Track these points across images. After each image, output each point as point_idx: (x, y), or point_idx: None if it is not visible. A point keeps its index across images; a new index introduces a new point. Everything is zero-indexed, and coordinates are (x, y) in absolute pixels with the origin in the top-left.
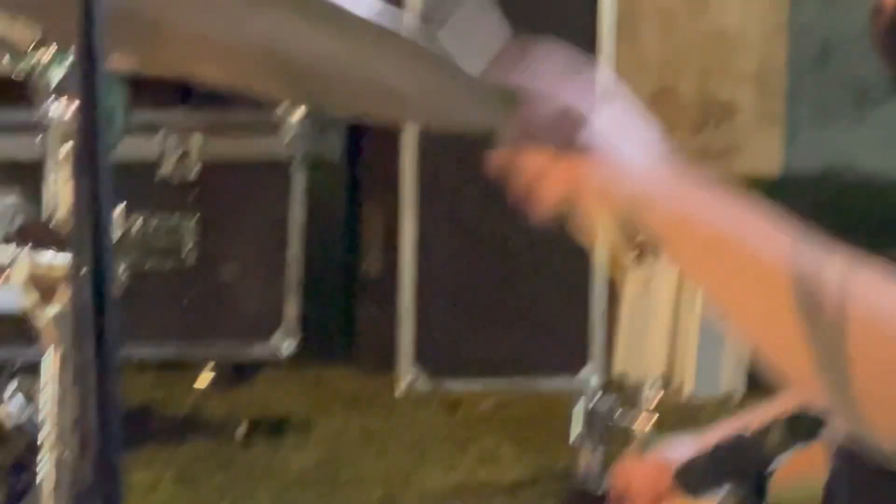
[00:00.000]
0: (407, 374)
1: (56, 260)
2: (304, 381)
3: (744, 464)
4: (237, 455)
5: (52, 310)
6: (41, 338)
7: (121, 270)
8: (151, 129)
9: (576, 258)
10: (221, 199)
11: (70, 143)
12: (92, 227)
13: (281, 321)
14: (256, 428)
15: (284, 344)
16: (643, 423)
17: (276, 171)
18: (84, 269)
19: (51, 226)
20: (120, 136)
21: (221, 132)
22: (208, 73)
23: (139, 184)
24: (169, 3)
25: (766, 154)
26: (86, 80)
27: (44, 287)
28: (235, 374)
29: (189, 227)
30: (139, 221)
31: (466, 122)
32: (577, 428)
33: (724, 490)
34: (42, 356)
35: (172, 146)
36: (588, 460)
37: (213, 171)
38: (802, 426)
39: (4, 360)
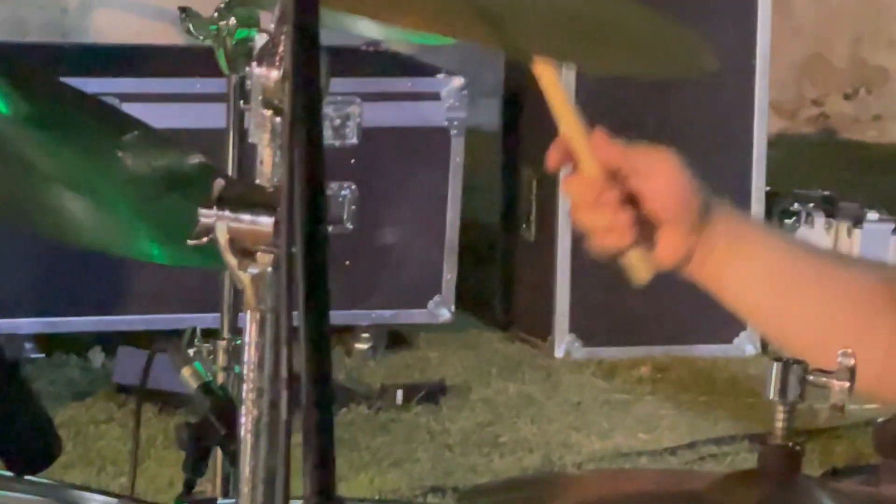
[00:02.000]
0: (563, 340)
1: (257, 221)
2: (462, 345)
3: None
4: (397, 418)
5: (253, 271)
6: (241, 300)
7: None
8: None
9: None
10: (381, 166)
11: (272, 109)
12: (306, 193)
13: (439, 287)
14: (415, 392)
15: (442, 309)
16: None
17: (435, 137)
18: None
19: (252, 186)
20: (327, 88)
21: (381, 99)
22: (406, 20)
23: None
24: None
25: None
26: (303, 49)
27: (244, 249)
28: (393, 338)
29: (349, 192)
30: None
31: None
32: (773, 383)
33: None
34: (221, 321)
35: (332, 113)
36: (783, 417)
37: (373, 137)
38: None
39: (176, 327)
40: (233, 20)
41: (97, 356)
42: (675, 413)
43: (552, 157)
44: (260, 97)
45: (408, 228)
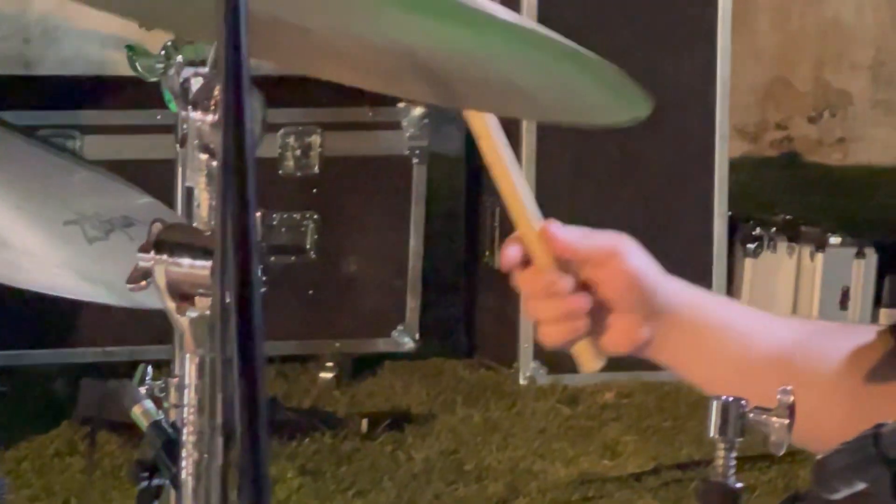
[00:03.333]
0: (527, 367)
1: (195, 266)
2: (426, 373)
3: (881, 460)
4: (361, 448)
5: (192, 314)
6: (180, 342)
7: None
8: (273, 126)
9: (693, 250)
10: (343, 195)
11: (208, 153)
12: (237, 233)
13: (403, 315)
14: (379, 421)
15: (406, 338)
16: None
17: (397, 165)
18: (228, 276)
19: (189, 230)
20: (260, 137)
21: (342, 128)
22: (344, 74)
23: (261, 181)
24: (311, 9)
25: (883, 143)
26: (231, 89)
27: (183, 292)
28: (357, 367)
29: (311, 222)
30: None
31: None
32: (714, 421)
33: (859, 488)
34: (174, 356)
35: (293, 143)
36: (723, 454)
37: (335, 166)
38: None
39: (138, 358)
40: (179, 58)
41: (61, 389)
42: (639, 439)
43: (506, 257)
44: (196, 141)
45: (371, 257)
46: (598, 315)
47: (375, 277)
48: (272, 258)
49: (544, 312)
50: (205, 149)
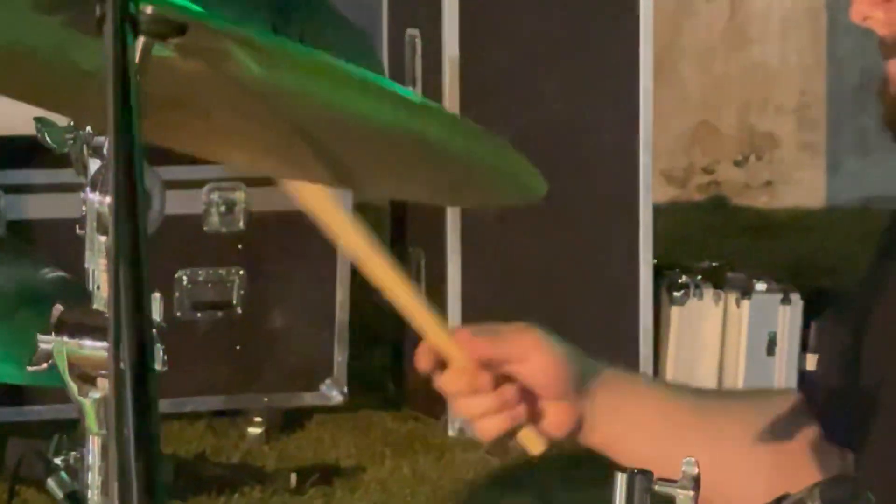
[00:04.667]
0: (456, 418)
1: (96, 347)
2: (355, 426)
3: None
4: (290, 502)
5: (94, 395)
6: (83, 423)
7: (160, 357)
8: (197, 183)
9: (619, 299)
10: (269, 250)
11: (107, 234)
12: (131, 317)
13: (331, 368)
14: (308, 475)
15: (334, 391)
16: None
17: None
18: (123, 362)
19: (91, 311)
20: (158, 218)
21: (266, 184)
22: (244, 158)
23: (187, 237)
24: (210, 94)
25: (810, 186)
26: (123, 171)
27: (84, 374)
28: (286, 421)
29: (237, 278)
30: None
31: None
32: (618, 496)
33: None
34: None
35: (218, 200)
36: None
37: (260, 221)
38: (840, 493)
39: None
40: (88, 129)
41: None
42: (570, 490)
43: (421, 363)
44: (94, 223)
45: (298, 311)
46: (530, 402)
47: (303, 331)
48: (199, 314)
49: (475, 408)
50: (104, 230)
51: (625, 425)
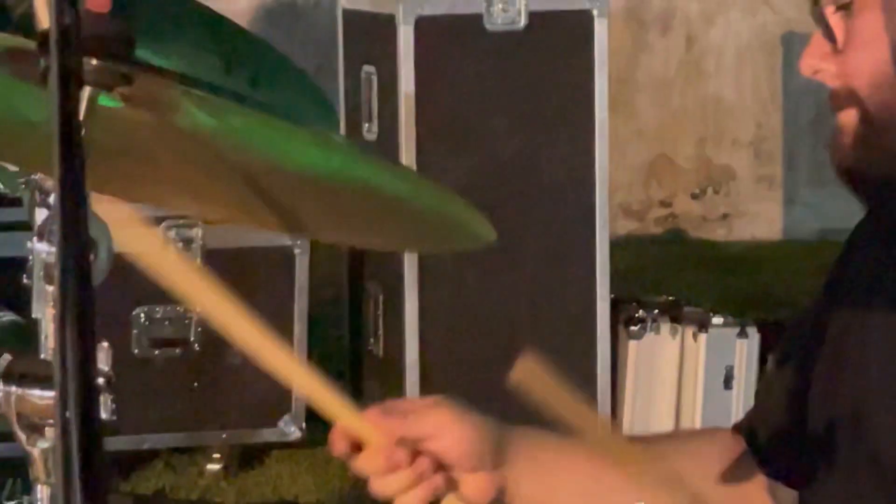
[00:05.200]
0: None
1: (44, 397)
2: (314, 462)
3: None
4: None
5: (42, 444)
6: (32, 472)
7: (109, 407)
8: (154, 220)
9: (577, 333)
10: (225, 286)
11: (53, 285)
12: (78, 368)
13: (289, 404)
14: None
15: (293, 427)
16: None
17: (280, 257)
18: (68, 412)
19: (39, 361)
20: (106, 268)
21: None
22: (192, 206)
23: (145, 274)
24: (157, 142)
25: (766, 218)
26: (69, 221)
27: (33, 423)
28: (245, 457)
29: (195, 314)
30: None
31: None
32: None
33: None
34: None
35: (175, 236)
36: None
37: (217, 258)
38: None
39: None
40: (40, 174)
41: None
42: None
43: (336, 447)
44: (41, 272)
45: None
46: (449, 471)
47: (260, 368)
48: (156, 351)
49: (394, 485)
50: (51, 280)
51: (550, 488)
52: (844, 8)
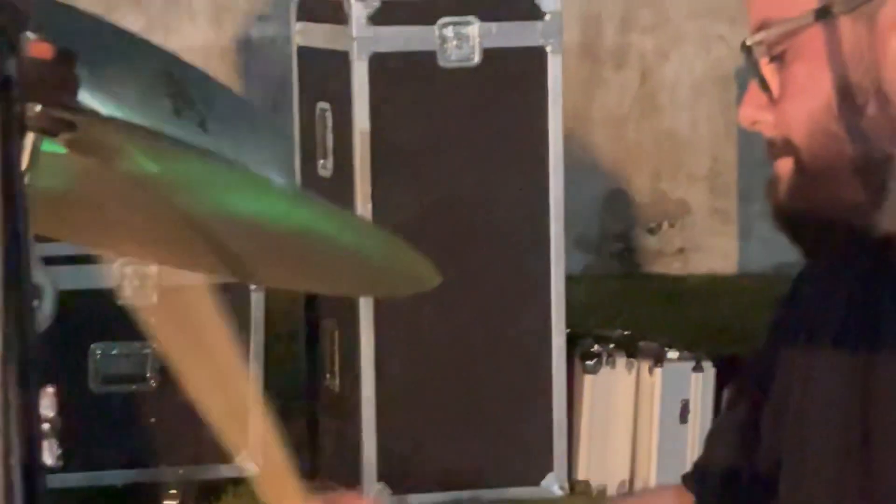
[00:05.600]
0: (371, 489)
1: None
2: None
3: None
4: None
5: None
6: None
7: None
8: (110, 258)
9: (533, 368)
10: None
11: None
12: (22, 416)
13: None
14: None
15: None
16: None
17: (235, 293)
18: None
19: None
20: (51, 313)
21: None
22: (137, 250)
23: (101, 311)
24: (103, 188)
25: (722, 252)
26: (11, 269)
27: None
28: (202, 493)
29: (151, 351)
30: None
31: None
32: None
33: None
34: None
35: (131, 274)
36: None
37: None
38: None
39: None
40: None
41: None
42: None
43: None
44: None
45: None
46: None
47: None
48: (113, 388)
49: None
50: None
51: None
52: (778, 59)
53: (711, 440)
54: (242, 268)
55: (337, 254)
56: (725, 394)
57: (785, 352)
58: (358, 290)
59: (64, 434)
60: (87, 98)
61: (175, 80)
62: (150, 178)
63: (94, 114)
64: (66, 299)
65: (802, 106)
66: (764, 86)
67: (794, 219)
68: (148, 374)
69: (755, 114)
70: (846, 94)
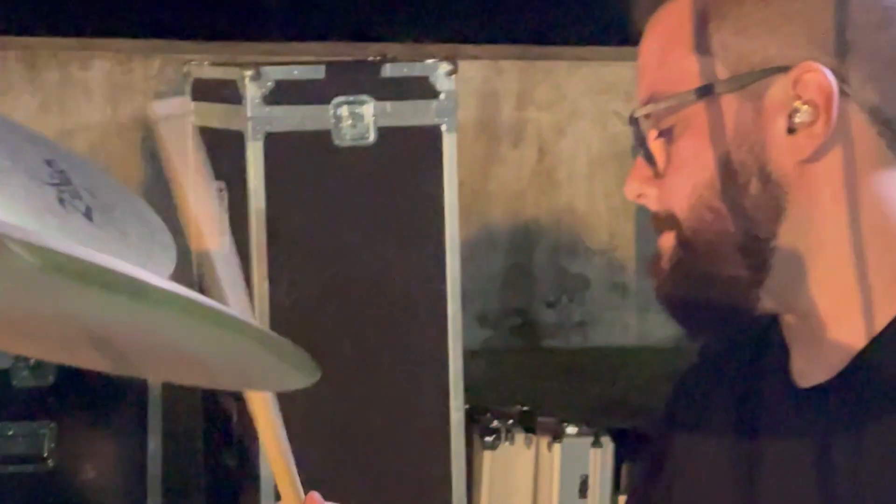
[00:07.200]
0: None
1: None
2: None
3: None
4: None
5: None
6: None
7: None
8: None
9: (432, 444)
10: (80, 402)
11: None
12: None
13: None
14: None
15: None
16: None
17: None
18: None
19: None
20: None
21: None
22: (18, 344)
23: None
24: None
25: (621, 326)
26: None
27: None
28: None
29: (48, 430)
30: None
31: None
32: None
33: None
34: None
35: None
36: None
37: (70, 376)
38: None
39: None
40: None
41: None
42: None
43: None
44: None
45: (109, 463)
46: None
47: (114, 482)
48: (9, 468)
49: None
50: None
51: None
52: (666, 133)
53: None
54: (124, 363)
55: (219, 349)
56: (624, 468)
57: (678, 434)
58: (238, 385)
59: None
60: None
61: (58, 169)
62: (27, 272)
63: None
64: None
65: (686, 181)
66: (650, 159)
67: (674, 296)
68: (45, 454)
69: (640, 187)
70: (729, 172)
